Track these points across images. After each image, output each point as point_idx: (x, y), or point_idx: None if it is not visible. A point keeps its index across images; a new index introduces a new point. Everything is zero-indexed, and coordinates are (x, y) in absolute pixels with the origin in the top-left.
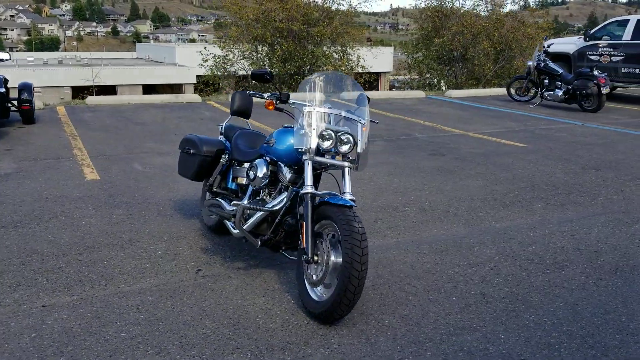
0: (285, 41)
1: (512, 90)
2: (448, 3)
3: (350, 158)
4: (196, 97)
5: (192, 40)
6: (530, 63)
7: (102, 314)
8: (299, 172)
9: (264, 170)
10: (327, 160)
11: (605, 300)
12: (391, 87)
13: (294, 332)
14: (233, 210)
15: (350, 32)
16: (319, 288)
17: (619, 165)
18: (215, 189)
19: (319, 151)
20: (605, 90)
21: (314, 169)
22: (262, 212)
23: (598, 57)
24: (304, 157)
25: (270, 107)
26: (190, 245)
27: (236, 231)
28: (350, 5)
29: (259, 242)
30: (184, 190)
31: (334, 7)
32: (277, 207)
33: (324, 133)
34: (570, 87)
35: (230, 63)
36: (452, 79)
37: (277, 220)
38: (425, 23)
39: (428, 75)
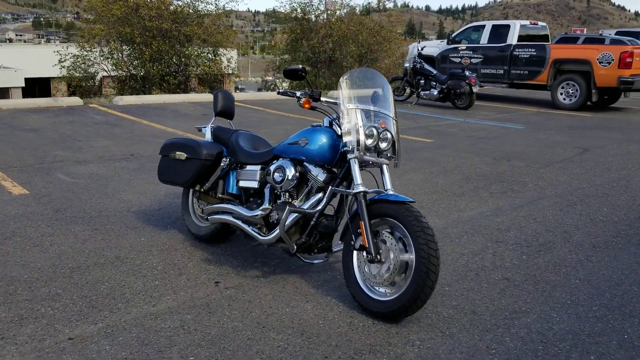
0: (155, 41)
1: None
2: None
3: (388, 155)
4: (77, 100)
5: (10, 40)
6: (406, 64)
7: (150, 340)
8: (330, 171)
9: (293, 171)
10: (370, 157)
11: (609, 273)
12: (236, 89)
13: (368, 334)
14: (256, 214)
15: (223, 33)
16: (381, 288)
17: (522, 156)
18: (219, 195)
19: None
20: (475, 89)
21: (345, 167)
22: (295, 215)
23: (459, 59)
24: (350, 156)
25: (307, 106)
26: (187, 257)
27: (267, 237)
28: (216, 5)
29: (295, 247)
30: (135, 200)
31: (200, 7)
32: (320, 208)
33: (367, 131)
34: (444, 86)
35: (91, 64)
36: (322, 80)
37: (312, 222)
38: (295, 27)
39: None
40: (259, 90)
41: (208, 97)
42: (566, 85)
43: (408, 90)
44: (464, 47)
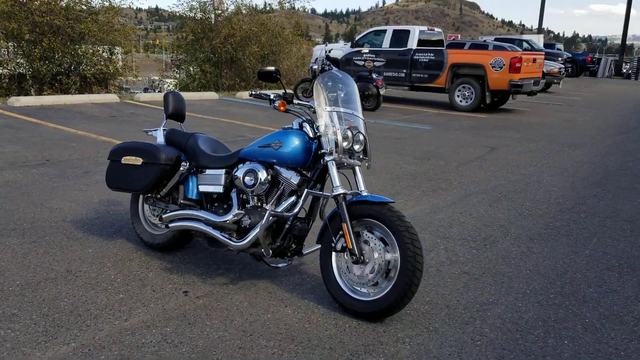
0: (46, 38)
1: (299, 92)
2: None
3: (361, 156)
4: None
5: None
6: (314, 66)
7: (135, 356)
8: (302, 174)
9: (265, 174)
10: (346, 159)
11: (553, 263)
12: (121, 89)
13: (357, 335)
14: (225, 219)
15: (120, 30)
16: (363, 288)
17: (439, 155)
18: (181, 201)
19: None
20: (383, 92)
21: (322, 169)
22: (266, 220)
23: (363, 62)
24: (328, 158)
25: (282, 108)
26: (146, 267)
27: (240, 242)
28: (110, 3)
29: (271, 251)
30: (67, 209)
31: (95, 3)
32: (296, 211)
33: (343, 134)
34: None
35: None
36: (225, 80)
37: (287, 226)
38: (195, 27)
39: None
40: (146, 90)
41: (112, 97)
42: (462, 88)
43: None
44: (367, 51)
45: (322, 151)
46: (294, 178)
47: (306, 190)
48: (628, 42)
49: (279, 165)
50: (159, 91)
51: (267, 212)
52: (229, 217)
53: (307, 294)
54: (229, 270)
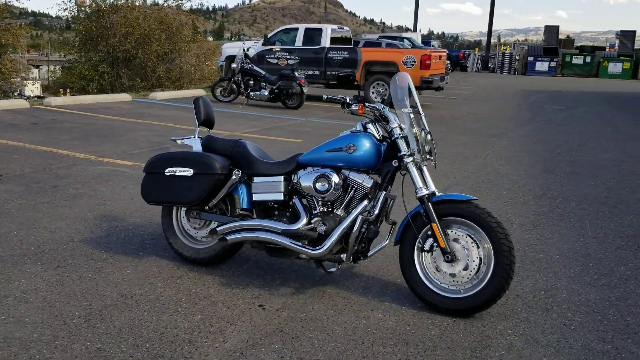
0: None
1: (217, 92)
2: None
3: (427, 156)
4: None
5: None
6: (234, 65)
7: None
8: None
9: (337, 179)
10: (422, 160)
11: (572, 245)
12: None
13: (464, 332)
14: (298, 227)
15: (10, 31)
16: (453, 286)
17: None
18: (240, 211)
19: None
20: (306, 90)
21: (393, 171)
22: (345, 226)
23: (276, 60)
24: (409, 160)
25: (361, 111)
26: (200, 283)
27: (318, 250)
28: None
29: (351, 257)
30: (67, 228)
31: None
32: (377, 213)
33: (424, 134)
34: (274, 87)
35: None
36: (124, 81)
37: (363, 230)
38: (90, 25)
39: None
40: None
41: (21, 103)
42: (377, 84)
43: (236, 91)
44: (279, 49)
45: (402, 153)
46: (366, 181)
47: (384, 193)
48: (476, 39)
49: (348, 169)
50: (18, 94)
51: (359, 217)
52: (302, 225)
53: (383, 296)
54: (287, 279)
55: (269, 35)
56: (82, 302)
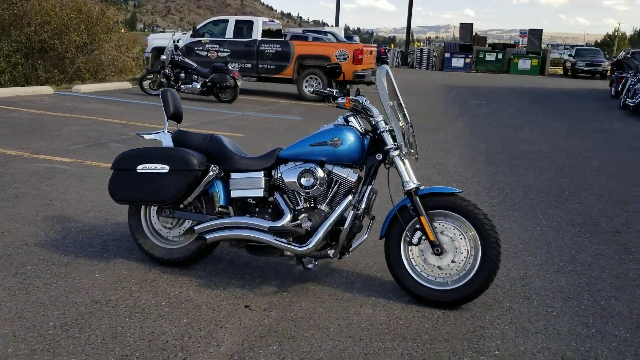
0: None
1: (145, 84)
2: None
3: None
4: None
5: None
6: (163, 57)
7: None
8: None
9: (322, 174)
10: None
11: (537, 234)
12: None
13: (455, 323)
14: (282, 224)
15: None
16: (440, 278)
17: None
18: (218, 209)
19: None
20: (240, 83)
21: (377, 165)
22: (331, 221)
23: (206, 53)
24: (395, 154)
25: (349, 105)
26: (178, 285)
27: (305, 247)
28: None
29: (339, 254)
30: (16, 231)
31: None
32: (364, 208)
33: (408, 127)
34: (207, 80)
35: None
36: (41, 72)
37: (350, 225)
38: (2, 11)
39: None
40: None
41: None
42: (310, 78)
43: (165, 84)
44: (208, 40)
45: (389, 147)
46: (351, 176)
47: (369, 187)
48: (390, 35)
49: (332, 164)
50: None
51: (352, 212)
52: (286, 221)
53: (368, 291)
54: (267, 277)
55: (198, 27)
56: (53, 311)
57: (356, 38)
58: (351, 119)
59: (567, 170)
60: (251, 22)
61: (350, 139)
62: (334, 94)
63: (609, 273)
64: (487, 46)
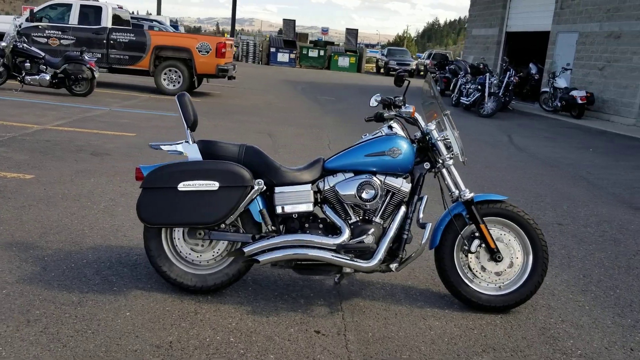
0: None
1: None
2: None
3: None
4: None
5: None
6: (3, 44)
7: None
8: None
9: (379, 185)
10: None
11: None
12: None
13: (511, 329)
14: (342, 239)
15: None
16: (490, 284)
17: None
18: (271, 227)
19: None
20: (97, 75)
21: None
22: (392, 234)
23: (46, 40)
24: (450, 162)
25: (414, 114)
26: (230, 317)
27: (371, 262)
28: None
29: (398, 264)
30: (16, 267)
31: None
32: (422, 217)
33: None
34: (58, 71)
35: None
36: None
37: (405, 236)
38: None
39: None
40: None
41: None
42: (169, 71)
43: (5, 74)
44: (46, 26)
45: (445, 156)
46: (404, 186)
47: (425, 197)
48: (196, 25)
49: (383, 175)
50: None
51: (428, 224)
52: (346, 237)
53: (417, 302)
54: (307, 296)
55: (35, 10)
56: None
57: (181, 28)
58: (396, 126)
59: None
60: (99, 8)
61: (406, 148)
62: (396, 102)
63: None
64: (308, 43)
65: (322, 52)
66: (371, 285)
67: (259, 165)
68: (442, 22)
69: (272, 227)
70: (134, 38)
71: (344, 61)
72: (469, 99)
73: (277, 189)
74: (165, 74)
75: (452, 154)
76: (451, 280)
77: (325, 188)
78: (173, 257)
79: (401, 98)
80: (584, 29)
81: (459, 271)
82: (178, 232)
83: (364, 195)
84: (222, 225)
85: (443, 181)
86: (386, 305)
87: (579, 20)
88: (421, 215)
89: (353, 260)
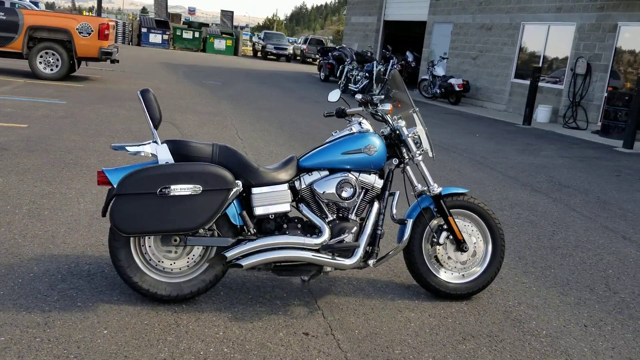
0: None
1: None
2: None
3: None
4: None
5: None
6: None
7: None
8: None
9: (355, 183)
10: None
11: None
12: None
13: (484, 314)
14: (322, 239)
15: None
16: (454, 272)
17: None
18: (252, 230)
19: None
20: None
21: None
22: (370, 231)
23: None
24: (420, 159)
25: (392, 112)
26: (224, 326)
27: (352, 260)
28: None
29: (376, 260)
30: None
31: None
32: (395, 212)
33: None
34: None
35: None
36: None
37: (380, 231)
38: None
39: None
40: None
41: None
42: (45, 54)
43: None
44: None
45: (415, 152)
46: (377, 182)
47: (397, 192)
48: (49, 1)
49: (357, 172)
50: None
51: (410, 220)
52: (326, 236)
53: (387, 295)
54: (281, 297)
55: None
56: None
57: (42, 5)
58: (366, 123)
59: None
60: None
61: (379, 145)
62: (374, 100)
63: None
64: (182, 24)
65: (197, 34)
66: (338, 281)
67: (236, 165)
68: (309, 6)
69: (253, 230)
70: (4, 17)
71: (220, 44)
72: (358, 85)
73: (255, 190)
74: (41, 57)
75: (422, 150)
76: (420, 272)
77: (302, 187)
78: (144, 266)
79: (380, 97)
80: (458, 20)
81: (427, 262)
82: (149, 240)
83: (343, 193)
84: (200, 230)
85: (409, 176)
86: (360, 300)
87: (454, 11)
88: (394, 211)
89: (335, 259)
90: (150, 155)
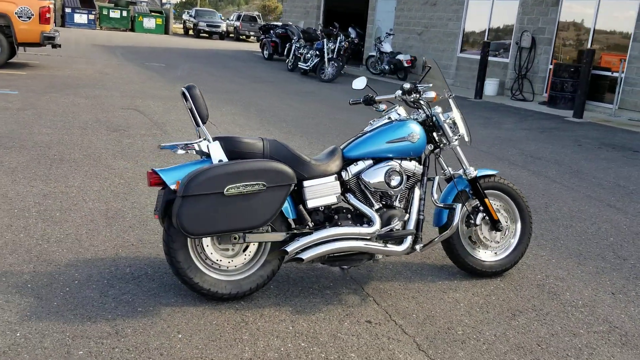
0: None
1: None
2: None
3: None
4: None
5: None
6: None
7: None
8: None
9: (400, 171)
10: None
11: None
12: None
13: (521, 290)
14: (374, 228)
15: None
16: (487, 250)
17: (172, 131)
18: (310, 223)
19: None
20: None
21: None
22: (415, 217)
23: None
24: (456, 144)
25: (436, 99)
26: (291, 322)
27: (403, 247)
28: None
29: (422, 245)
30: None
31: None
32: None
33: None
34: None
35: None
36: None
37: (422, 217)
38: None
39: None
40: None
41: None
42: None
43: None
44: None
45: (451, 137)
46: (418, 169)
47: (436, 177)
48: None
49: (399, 159)
50: None
51: (459, 206)
52: (378, 225)
53: (427, 277)
54: (329, 287)
55: None
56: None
57: None
58: (402, 111)
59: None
60: None
61: (420, 132)
62: (418, 88)
63: None
64: (108, 2)
65: (124, 13)
66: (375, 267)
67: (288, 159)
68: None
69: (311, 223)
70: None
71: (149, 22)
72: (308, 64)
73: (307, 183)
74: None
75: (459, 135)
76: (459, 253)
77: (349, 177)
78: (203, 266)
79: (429, 86)
80: None
81: (464, 243)
82: (206, 239)
83: (392, 182)
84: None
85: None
86: (404, 284)
87: None
88: (435, 196)
89: (387, 247)
90: (201, 154)
